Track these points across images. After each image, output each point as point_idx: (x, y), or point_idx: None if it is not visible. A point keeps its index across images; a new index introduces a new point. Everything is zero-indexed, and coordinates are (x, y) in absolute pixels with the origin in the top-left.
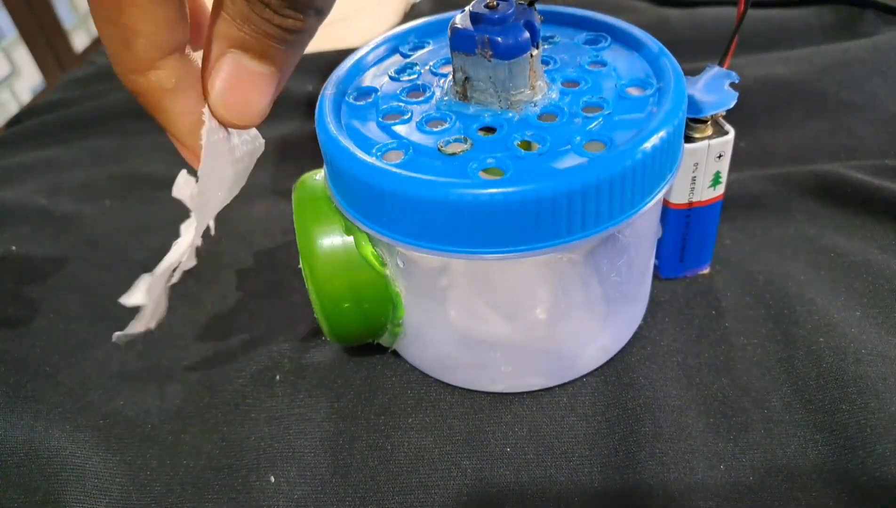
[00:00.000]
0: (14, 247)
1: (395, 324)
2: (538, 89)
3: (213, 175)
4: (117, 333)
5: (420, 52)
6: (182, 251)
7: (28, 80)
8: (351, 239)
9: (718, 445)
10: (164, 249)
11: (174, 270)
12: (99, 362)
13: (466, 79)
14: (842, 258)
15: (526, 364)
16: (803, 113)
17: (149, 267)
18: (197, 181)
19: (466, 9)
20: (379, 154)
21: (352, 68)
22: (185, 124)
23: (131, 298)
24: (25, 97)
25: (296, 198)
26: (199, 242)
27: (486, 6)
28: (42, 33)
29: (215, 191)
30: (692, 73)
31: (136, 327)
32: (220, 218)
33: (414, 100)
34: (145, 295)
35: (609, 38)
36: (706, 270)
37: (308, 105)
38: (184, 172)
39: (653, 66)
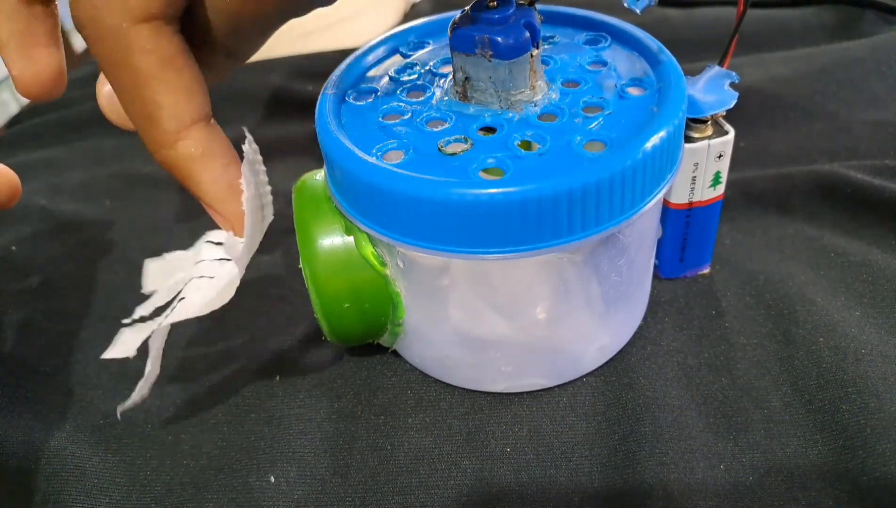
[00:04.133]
0: (14, 247)
1: (396, 324)
2: (538, 89)
3: (252, 241)
4: (120, 408)
5: (420, 52)
6: (187, 312)
7: None
8: (351, 239)
9: (718, 445)
10: (164, 249)
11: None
12: (99, 362)
13: (466, 79)
14: (842, 258)
15: (526, 364)
16: (803, 112)
17: None
18: (242, 246)
19: (466, 9)
20: (379, 154)
21: (352, 68)
22: (216, 191)
23: (113, 352)
24: None
25: (296, 198)
26: (215, 307)
27: (487, 6)
28: None
29: (249, 255)
30: (692, 73)
31: (138, 394)
32: None
33: (414, 100)
34: (129, 348)
35: (609, 38)
36: (706, 270)
37: (308, 105)
38: (160, 259)
39: (653, 66)
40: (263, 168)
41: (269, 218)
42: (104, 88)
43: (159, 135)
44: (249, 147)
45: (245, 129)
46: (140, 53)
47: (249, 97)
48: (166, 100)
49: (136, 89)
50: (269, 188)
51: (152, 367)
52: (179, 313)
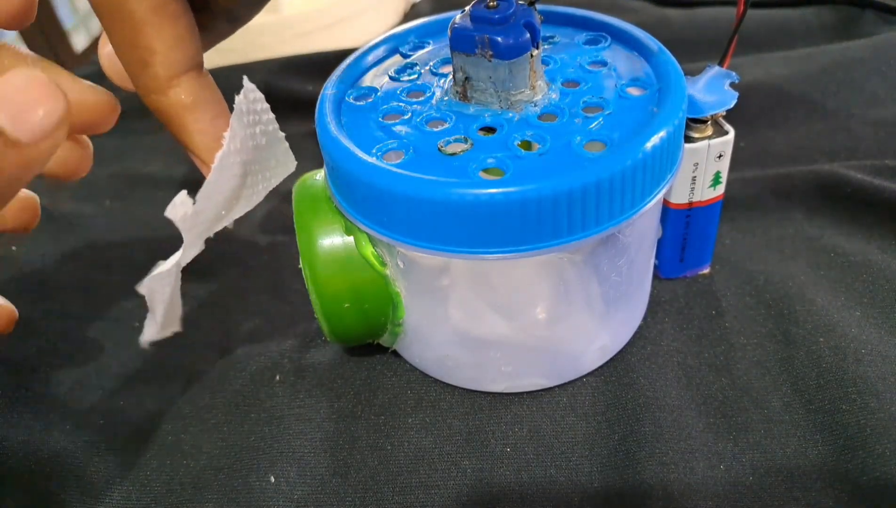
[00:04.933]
0: (14, 247)
1: (396, 324)
2: (538, 89)
3: (216, 197)
4: (143, 338)
5: (420, 52)
6: (171, 264)
7: None
8: (351, 239)
9: (718, 445)
10: (164, 249)
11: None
12: (99, 362)
13: (466, 79)
14: (842, 258)
15: (526, 364)
16: (803, 113)
17: (149, 267)
18: (195, 202)
19: (466, 9)
20: (379, 154)
21: (352, 68)
22: (204, 141)
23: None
24: None
25: (296, 198)
26: (187, 260)
27: (487, 6)
28: (42, 33)
29: (216, 212)
30: (692, 73)
31: (154, 331)
32: None
33: (414, 100)
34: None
35: (609, 38)
36: (706, 270)
37: (308, 105)
38: (183, 193)
39: (653, 65)
40: (270, 116)
41: (289, 168)
42: (105, 49)
43: (151, 80)
44: (244, 97)
45: (245, 78)
46: None
47: None
48: (159, 46)
49: (130, 34)
50: (281, 135)
51: (171, 306)
52: (163, 267)
